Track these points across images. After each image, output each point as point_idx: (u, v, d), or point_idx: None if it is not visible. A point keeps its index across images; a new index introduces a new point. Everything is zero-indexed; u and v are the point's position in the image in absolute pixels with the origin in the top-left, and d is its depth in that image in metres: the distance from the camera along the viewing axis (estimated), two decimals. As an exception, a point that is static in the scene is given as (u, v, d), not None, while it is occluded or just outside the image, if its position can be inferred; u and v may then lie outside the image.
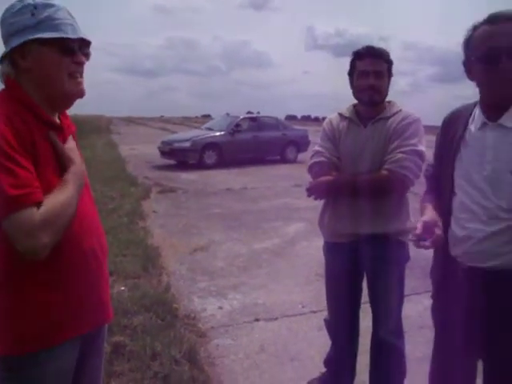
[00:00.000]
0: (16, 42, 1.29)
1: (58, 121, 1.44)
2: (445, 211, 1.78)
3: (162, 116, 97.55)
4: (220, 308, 3.94)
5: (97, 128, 29.19)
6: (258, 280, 4.63)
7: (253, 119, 15.66)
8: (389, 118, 2.35)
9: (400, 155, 2.22)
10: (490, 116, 1.66)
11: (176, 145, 13.87)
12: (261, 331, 3.53)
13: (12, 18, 1.31)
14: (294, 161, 15.29)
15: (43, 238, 1.19)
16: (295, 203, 8.35)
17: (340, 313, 2.60)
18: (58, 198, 1.26)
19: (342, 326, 2.62)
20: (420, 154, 2.26)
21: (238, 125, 14.68)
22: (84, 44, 1.40)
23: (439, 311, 1.94)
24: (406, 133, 2.27)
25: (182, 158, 13.83)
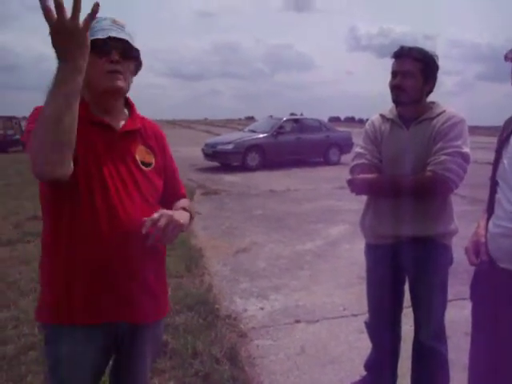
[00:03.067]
0: None
1: (106, 120, 1.53)
2: (489, 209, 1.82)
3: (205, 118, 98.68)
4: (261, 309, 3.96)
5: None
6: (300, 282, 4.64)
7: (296, 121, 15.66)
8: (433, 118, 2.31)
9: (444, 157, 2.18)
10: None
11: (219, 147, 14.03)
12: (301, 333, 3.53)
13: None
14: (337, 163, 15.20)
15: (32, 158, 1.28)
16: (338, 205, 8.30)
17: (381, 316, 2.58)
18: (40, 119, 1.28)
19: (383, 330, 2.59)
20: (464, 156, 2.21)
21: (281, 127, 14.73)
22: (127, 47, 1.50)
23: (474, 312, 1.96)
24: (450, 134, 2.23)
25: (225, 160, 13.98)
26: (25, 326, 3.50)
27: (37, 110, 1.40)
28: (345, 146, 15.50)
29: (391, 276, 2.47)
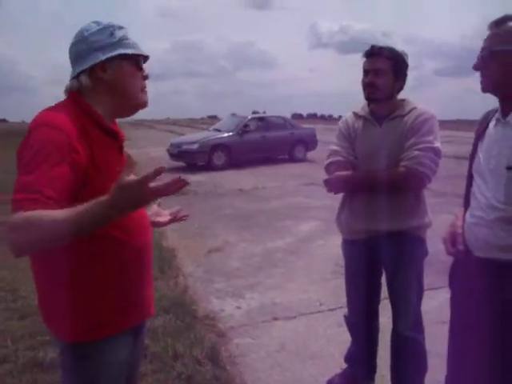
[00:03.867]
0: (101, 56, 1.44)
1: (116, 128, 1.54)
2: (466, 202, 1.90)
3: (167, 118, 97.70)
4: (238, 308, 3.98)
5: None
6: (274, 279, 4.68)
7: (260, 119, 15.71)
8: (404, 115, 2.38)
9: (416, 152, 2.25)
10: (503, 114, 1.73)
11: (184, 147, 13.93)
12: (280, 330, 3.57)
13: (93, 37, 1.45)
14: (302, 159, 15.32)
15: (10, 240, 1.19)
16: (306, 202, 8.41)
17: (360, 309, 2.64)
18: (45, 216, 1.19)
19: (361, 322, 2.66)
20: (436, 151, 2.28)
21: (246, 125, 14.74)
22: (145, 61, 1.57)
23: (452, 301, 2.01)
24: (421, 130, 2.30)
25: (190, 159, 13.89)
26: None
27: (44, 144, 1.30)
28: (310, 142, 15.66)
29: (368, 270, 2.54)
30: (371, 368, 2.74)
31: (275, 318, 3.75)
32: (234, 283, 4.58)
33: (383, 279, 2.61)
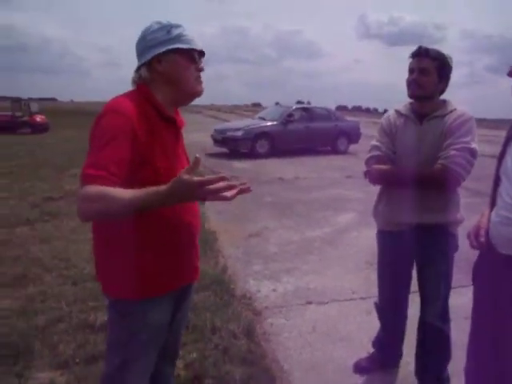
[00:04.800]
0: (157, 51, 1.65)
1: (174, 116, 1.75)
2: (492, 201, 2.02)
3: (212, 104, 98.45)
4: (274, 290, 4.18)
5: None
6: (310, 266, 4.85)
7: (305, 109, 15.75)
8: (444, 116, 2.49)
9: (453, 152, 2.37)
10: None
11: (229, 133, 14.18)
12: (312, 313, 3.75)
13: (151, 35, 1.67)
14: (344, 152, 15.35)
15: (80, 208, 1.42)
16: (346, 194, 8.51)
17: (390, 297, 2.79)
18: (115, 194, 1.38)
19: (391, 310, 2.81)
20: (472, 151, 2.39)
21: (290, 115, 14.85)
22: (201, 55, 1.75)
23: (475, 294, 2.16)
24: (459, 131, 2.41)
25: (234, 146, 14.11)
26: (51, 300, 3.74)
27: (111, 128, 1.52)
28: (353, 135, 15.66)
29: (400, 260, 2.67)
30: (397, 354, 2.90)
31: (309, 302, 3.93)
32: (271, 267, 4.78)
33: (414, 272, 2.74)
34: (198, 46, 1.72)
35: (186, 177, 1.27)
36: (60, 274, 4.36)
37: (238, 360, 2.93)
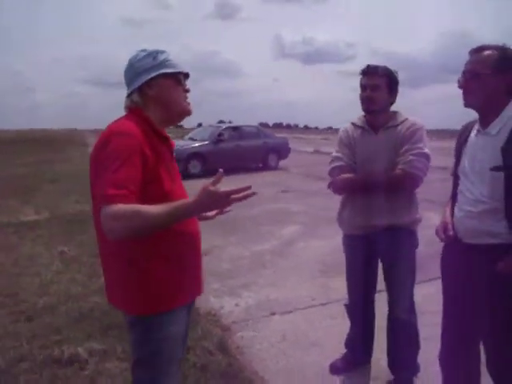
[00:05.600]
0: (146, 77, 1.73)
1: (167, 134, 1.84)
2: (453, 198, 2.25)
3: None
4: (236, 305, 4.25)
5: (71, 141, 29.01)
6: (266, 278, 4.96)
7: (234, 128, 16.02)
8: (397, 125, 2.72)
9: (411, 157, 2.59)
10: (483, 125, 2.11)
11: (160, 156, 14.04)
12: (279, 323, 3.85)
13: (139, 63, 1.76)
14: (275, 168, 15.76)
15: (113, 227, 1.46)
16: (287, 207, 8.72)
17: (360, 297, 2.96)
18: (147, 210, 1.46)
19: (360, 309, 2.98)
20: (427, 156, 2.63)
21: (220, 134, 15.04)
22: (186, 77, 1.85)
23: (445, 284, 2.34)
24: (413, 138, 2.65)
25: (166, 168, 13.97)
26: (7, 339, 3.56)
27: (124, 149, 1.57)
28: (282, 151, 16.14)
29: (367, 262, 2.87)
30: (369, 350, 3.07)
31: (272, 313, 4.03)
32: (228, 283, 4.83)
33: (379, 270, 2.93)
34: (184, 68, 1.83)
35: (212, 188, 1.36)
36: (10, 311, 4.14)
37: (218, 375, 2.97)
